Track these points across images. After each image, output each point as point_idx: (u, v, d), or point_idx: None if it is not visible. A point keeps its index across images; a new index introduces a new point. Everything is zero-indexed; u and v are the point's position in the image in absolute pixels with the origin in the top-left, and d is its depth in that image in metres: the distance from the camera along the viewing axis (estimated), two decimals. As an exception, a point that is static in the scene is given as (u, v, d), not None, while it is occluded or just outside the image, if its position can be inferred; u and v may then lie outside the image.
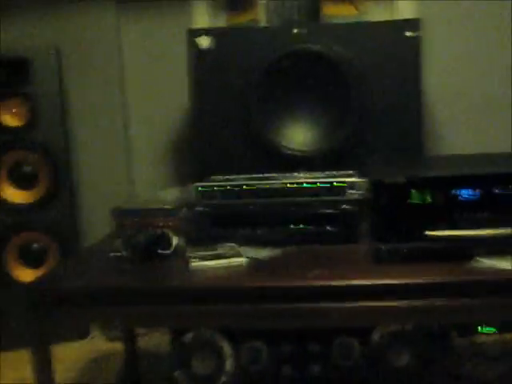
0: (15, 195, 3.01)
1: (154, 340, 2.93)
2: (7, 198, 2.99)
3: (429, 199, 1.69)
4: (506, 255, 1.64)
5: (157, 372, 2.61)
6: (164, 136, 3.31)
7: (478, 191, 1.66)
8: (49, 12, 3.21)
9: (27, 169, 3.00)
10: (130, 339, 2.56)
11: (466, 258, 1.65)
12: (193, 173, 2.61)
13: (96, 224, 3.14)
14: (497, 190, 1.65)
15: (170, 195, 2.47)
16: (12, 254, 3.04)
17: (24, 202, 3.01)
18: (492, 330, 2.62)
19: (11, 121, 2.96)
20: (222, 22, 3.38)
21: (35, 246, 3.07)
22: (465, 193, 1.67)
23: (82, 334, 3.12)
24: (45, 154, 2.97)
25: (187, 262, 1.81)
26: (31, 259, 3.06)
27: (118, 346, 2.87)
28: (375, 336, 2.00)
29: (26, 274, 3.04)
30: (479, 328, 2.66)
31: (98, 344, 3.09)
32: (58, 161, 2.99)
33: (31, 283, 1.91)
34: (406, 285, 1.57)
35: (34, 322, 1.71)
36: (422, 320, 1.64)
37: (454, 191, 1.67)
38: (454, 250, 1.67)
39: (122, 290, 1.69)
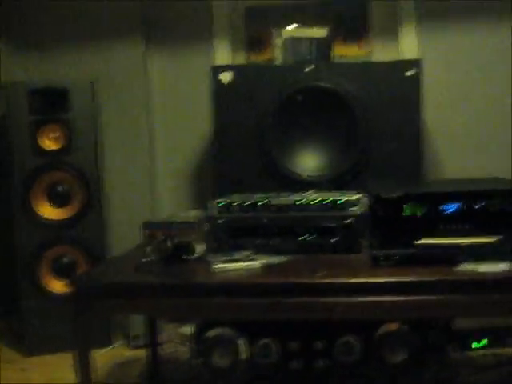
0: (51, 212, 3.29)
1: (174, 348, 3.17)
2: (43, 215, 3.27)
3: (419, 212, 1.96)
4: (484, 260, 1.91)
5: (178, 375, 2.83)
6: (187, 162, 3.60)
7: (460, 206, 1.94)
8: (87, 48, 3.54)
9: (62, 188, 3.29)
10: (152, 346, 2.78)
11: (450, 263, 1.92)
12: (213, 194, 2.87)
13: (122, 240, 3.40)
14: (476, 205, 1.93)
15: (192, 214, 2.75)
16: (45, 266, 3.30)
17: (58, 218, 3.29)
18: (484, 341, 2.82)
19: (50, 144, 3.24)
20: (241, 59, 3.70)
21: (65, 259, 3.32)
22: (449, 207, 1.95)
23: (105, 343, 3.35)
24: (78, 176, 3.26)
25: (209, 265, 2.08)
26: (62, 271, 3.32)
27: (140, 353, 3.13)
28: (376, 335, 2.24)
29: (57, 285, 3.32)
30: (473, 344, 2.88)
31: (120, 352, 3.33)
32: (89, 182, 3.27)
33: (78, 276, 2.18)
34: (398, 283, 1.84)
35: (78, 313, 1.97)
36: (412, 313, 1.89)
37: (440, 206, 1.95)
38: (440, 256, 1.94)
39: (154, 286, 1.96)
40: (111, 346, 3.35)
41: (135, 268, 2.13)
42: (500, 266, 1.90)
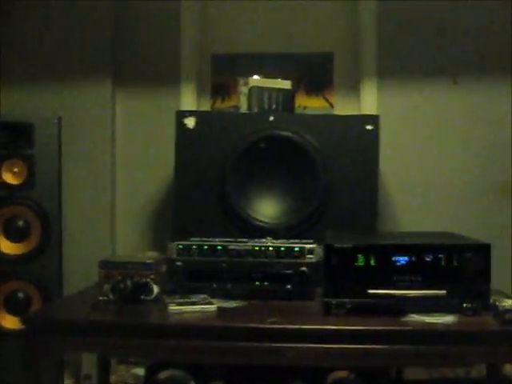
0: (7, 247, 3.27)
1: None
2: (0, 249, 3.25)
3: (371, 263, 2.03)
4: (432, 312, 1.98)
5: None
6: (147, 203, 3.64)
7: (411, 258, 2.02)
8: (52, 83, 3.59)
9: (21, 223, 3.28)
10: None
11: (400, 314, 1.99)
12: (172, 237, 2.88)
13: (79, 278, 3.39)
14: (427, 258, 2.01)
15: (149, 255, 2.78)
16: (-1, 304, 3.27)
17: (15, 253, 3.27)
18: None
19: (11, 179, 3.25)
20: (206, 105, 3.78)
21: (20, 294, 3.30)
22: (400, 259, 2.02)
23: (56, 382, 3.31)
24: (38, 211, 3.25)
25: (166, 307, 2.12)
26: (16, 307, 3.28)
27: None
28: (326, 382, 2.29)
29: (9, 322, 3.28)
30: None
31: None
32: (49, 218, 3.26)
33: (32, 312, 2.18)
34: (348, 331, 1.89)
35: (30, 350, 1.97)
36: (362, 362, 1.95)
37: (392, 257, 2.03)
38: (390, 306, 2.01)
39: (111, 325, 1.98)
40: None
41: (92, 306, 2.15)
42: (447, 319, 1.98)
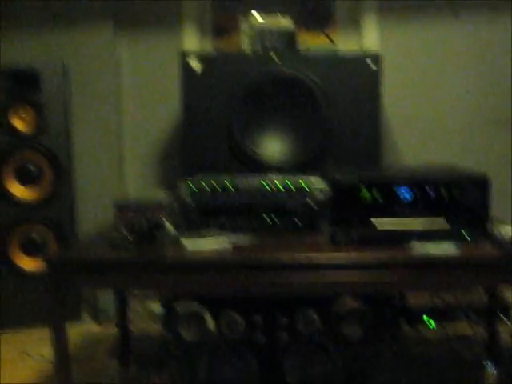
0: (20, 191, 3.38)
1: (143, 323, 3.30)
2: (14, 194, 3.35)
3: (376, 196, 2.13)
4: (434, 241, 2.09)
5: (148, 350, 2.96)
6: (154, 144, 3.71)
7: (413, 190, 2.11)
8: (57, 31, 3.61)
9: (33, 168, 3.37)
10: (121, 321, 2.89)
11: (403, 242, 2.10)
12: (181, 175, 2.95)
13: (90, 219, 3.52)
14: (428, 190, 2.11)
15: (160, 195, 2.88)
16: (15, 243, 3.39)
17: (28, 197, 3.38)
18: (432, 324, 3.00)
19: (21, 126, 3.33)
20: (208, 44, 3.81)
21: (35, 237, 3.41)
22: (404, 191, 2.12)
23: (74, 317, 3.45)
24: (49, 157, 3.35)
25: (181, 243, 2.22)
26: (32, 249, 3.41)
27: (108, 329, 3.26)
28: (333, 309, 2.42)
29: (26, 262, 3.41)
30: (424, 317, 3.06)
31: (88, 327, 3.45)
32: (60, 163, 3.36)
33: (53, 254, 2.28)
34: (354, 260, 2.00)
35: (54, 289, 2.08)
36: (368, 288, 2.06)
37: (395, 189, 2.12)
38: (394, 236, 2.12)
39: (130, 262, 2.09)
40: (81, 321, 3.46)
41: (110, 245, 2.24)
42: (447, 247, 2.08)
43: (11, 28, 3.64)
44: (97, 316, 3.48)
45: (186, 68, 3.04)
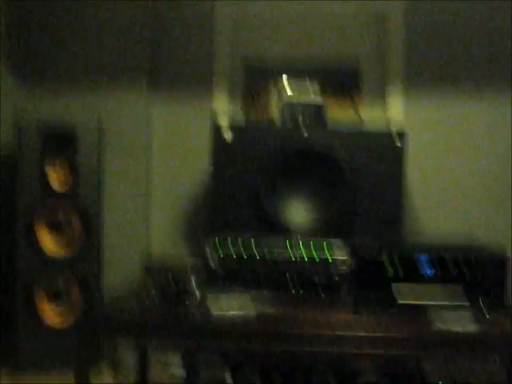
0: (50, 244, 3.47)
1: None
2: (46, 249, 3.45)
3: (399, 274, 2.20)
4: (457, 320, 2.15)
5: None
6: (182, 202, 3.83)
7: (434, 264, 2.19)
8: (93, 88, 3.78)
9: (63, 222, 3.47)
10: (142, 376, 2.95)
11: (426, 321, 2.16)
12: (207, 236, 2.92)
13: (117, 276, 3.62)
14: (449, 265, 2.18)
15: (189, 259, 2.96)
16: (41, 294, 3.46)
17: (58, 251, 3.47)
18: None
19: (54, 180, 3.43)
20: (238, 107, 3.93)
21: (61, 288, 3.48)
22: (427, 270, 2.19)
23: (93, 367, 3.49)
24: (81, 214, 3.45)
25: (208, 310, 2.29)
26: (57, 301, 3.48)
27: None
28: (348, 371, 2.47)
29: (51, 314, 3.48)
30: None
31: (107, 378, 3.49)
32: (91, 220, 3.47)
33: (85, 314, 2.37)
34: (377, 337, 2.06)
35: (81, 342, 2.16)
36: (389, 365, 2.12)
37: (419, 269, 2.20)
38: (416, 314, 2.18)
39: (159, 325, 2.17)
40: (99, 372, 3.51)
41: (138, 305, 2.33)
42: (466, 323, 2.14)
43: (50, 86, 3.81)
44: (116, 368, 3.52)
45: (217, 135, 3.15)
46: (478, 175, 3.66)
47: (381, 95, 3.82)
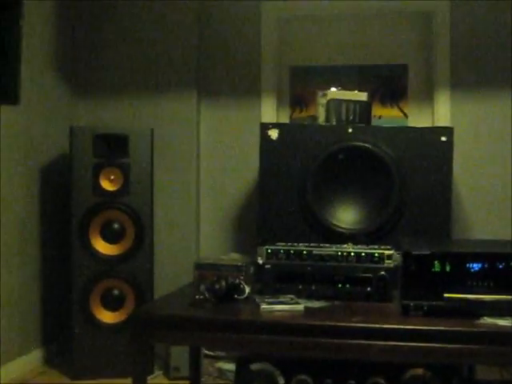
0: (104, 247, 3.59)
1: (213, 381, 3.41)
2: (98, 249, 3.56)
3: (447, 269, 2.21)
4: (504, 316, 2.14)
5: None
6: (230, 206, 3.91)
7: (484, 265, 2.19)
8: (145, 97, 3.92)
9: (116, 226, 3.59)
10: (194, 378, 3.00)
11: (473, 317, 2.16)
12: (258, 241, 3.00)
13: (167, 276, 3.72)
14: (499, 265, 2.18)
15: (236, 257, 3.02)
16: (96, 297, 3.58)
17: (110, 253, 3.58)
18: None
19: (108, 186, 3.56)
20: (285, 114, 4.01)
21: (115, 292, 3.60)
22: (475, 266, 2.19)
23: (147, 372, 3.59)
24: (133, 215, 3.56)
25: (258, 306, 2.34)
26: (111, 303, 3.60)
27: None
28: (403, 378, 2.48)
29: (105, 315, 3.59)
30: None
31: (160, 381, 3.58)
32: (143, 222, 3.57)
33: (138, 310, 2.44)
34: (425, 331, 2.08)
35: (137, 343, 2.23)
36: (437, 359, 2.12)
37: (466, 264, 2.20)
38: (464, 309, 2.18)
39: (209, 321, 2.22)
40: (153, 375, 3.60)
41: (190, 304, 2.39)
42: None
43: (105, 94, 3.94)
44: (168, 372, 3.60)
45: (265, 138, 3.21)
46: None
47: (428, 98, 3.83)
